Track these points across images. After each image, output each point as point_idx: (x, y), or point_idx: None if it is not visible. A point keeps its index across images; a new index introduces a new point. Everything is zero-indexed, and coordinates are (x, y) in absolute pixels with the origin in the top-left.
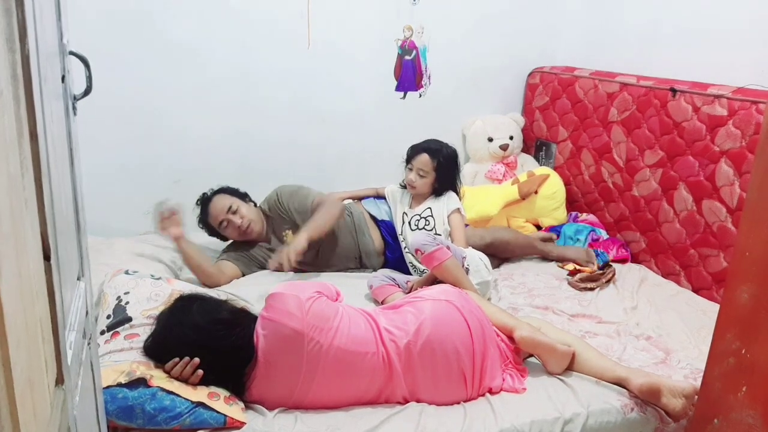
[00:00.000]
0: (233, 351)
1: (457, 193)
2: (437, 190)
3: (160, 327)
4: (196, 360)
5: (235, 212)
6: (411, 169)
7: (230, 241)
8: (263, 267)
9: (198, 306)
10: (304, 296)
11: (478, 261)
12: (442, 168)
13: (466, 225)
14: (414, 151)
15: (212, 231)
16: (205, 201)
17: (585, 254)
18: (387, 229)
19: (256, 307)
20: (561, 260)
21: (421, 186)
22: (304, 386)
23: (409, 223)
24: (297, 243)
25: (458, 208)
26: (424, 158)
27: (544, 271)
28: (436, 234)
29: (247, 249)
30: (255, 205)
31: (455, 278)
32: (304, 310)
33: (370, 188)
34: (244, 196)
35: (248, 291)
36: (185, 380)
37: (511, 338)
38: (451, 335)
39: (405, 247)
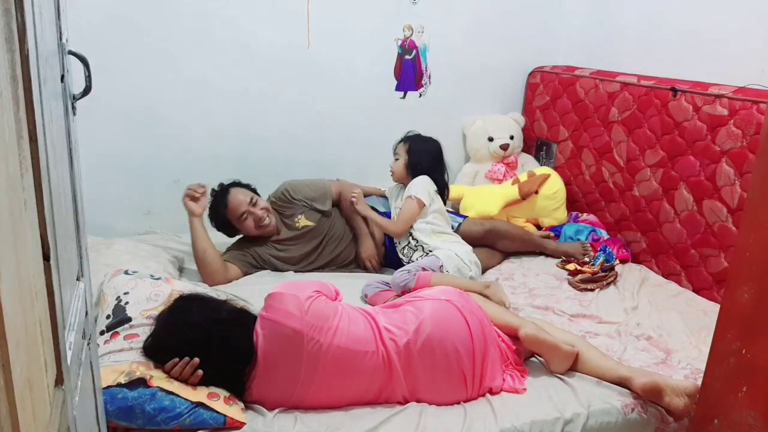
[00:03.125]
0: (233, 351)
1: (439, 185)
2: (413, 176)
3: (159, 327)
4: (196, 360)
5: (255, 204)
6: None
7: (235, 240)
8: (266, 266)
9: (198, 306)
10: (303, 296)
11: (456, 259)
12: (414, 151)
13: (465, 217)
14: (397, 142)
15: (223, 224)
16: (221, 192)
17: (581, 248)
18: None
19: (256, 307)
20: (558, 255)
21: (396, 169)
22: (304, 386)
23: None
24: (369, 252)
25: (411, 196)
26: (400, 144)
27: (544, 271)
28: (419, 234)
29: (252, 247)
30: None
31: (449, 285)
32: (303, 309)
33: (377, 188)
34: (255, 192)
35: (249, 291)
36: (185, 380)
37: (513, 338)
38: (451, 335)
39: (397, 243)
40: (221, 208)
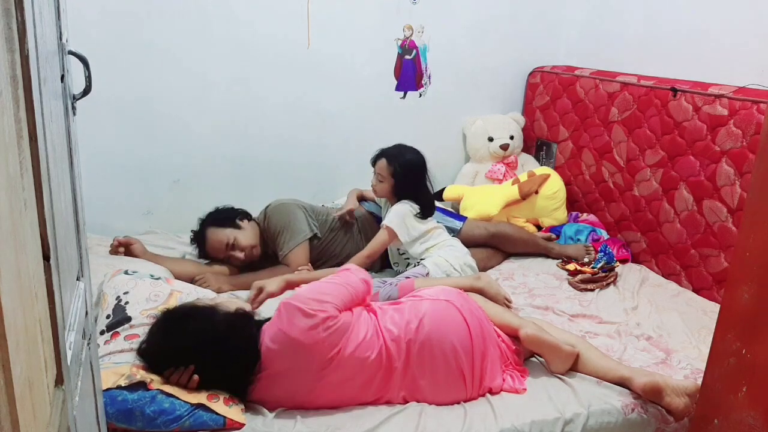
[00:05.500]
0: (233, 356)
1: (425, 204)
2: (399, 197)
3: (151, 342)
4: (191, 367)
5: (233, 246)
6: (374, 173)
7: None
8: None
9: (190, 317)
10: (324, 314)
11: (445, 265)
12: (399, 174)
13: (464, 217)
14: (376, 156)
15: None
16: (198, 239)
17: (584, 250)
18: None
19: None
20: (561, 257)
21: (380, 191)
22: (309, 390)
23: (407, 258)
24: (218, 284)
25: (385, 225)
26: (382, 163)
27: (544, 271)
28: (418, 260)
29: None
30: (249, 218)
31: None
32: (328, 330)
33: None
34: (234, 219)
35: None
36: (183, 386)
37: (513, 338)
38: (450, 335)
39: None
40: (203, 252)
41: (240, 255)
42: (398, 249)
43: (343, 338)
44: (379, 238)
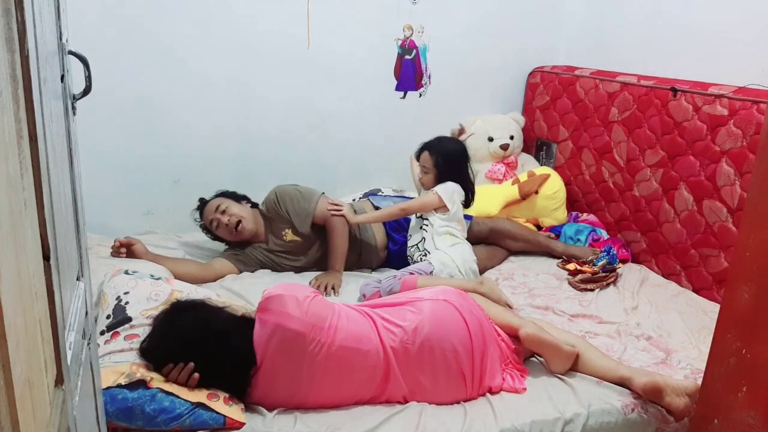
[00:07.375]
0: (232, 360)
1: (468, 189)
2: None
3: (155, 340)
4: (191, 365)
5: (223, 212)
6: (420, 167)
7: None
8: (262, 266)
9: (193, 317)
10: (302, 296)
11: (451, 266)
12: (441, 164)
13: (471, 218)
14: (419, 150)
15: (213, 235)
16: (201, 205)
17: (591, 252)
18: (390, 223)
19: (253, 303)
20: (564, 257)
21: (426, 182)
22: (306, 386)
23: (422, 226)
24: (337, 281)
25: (435, 191)
26: (425, 155)
27: (544, 270)
28: (434, 235)
29: (245, 249)
30: (253, 206)
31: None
32: (303, 310)
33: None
34: (240, 198)
35: (245, 286)
36: (183, 384)
37: (513, 338)
38: (450, 334)
39: (409, 242)
40: (202, 221)
41: (225, 219)
42: (422, 214)
43: (326, 321)
44: (424, 198)
